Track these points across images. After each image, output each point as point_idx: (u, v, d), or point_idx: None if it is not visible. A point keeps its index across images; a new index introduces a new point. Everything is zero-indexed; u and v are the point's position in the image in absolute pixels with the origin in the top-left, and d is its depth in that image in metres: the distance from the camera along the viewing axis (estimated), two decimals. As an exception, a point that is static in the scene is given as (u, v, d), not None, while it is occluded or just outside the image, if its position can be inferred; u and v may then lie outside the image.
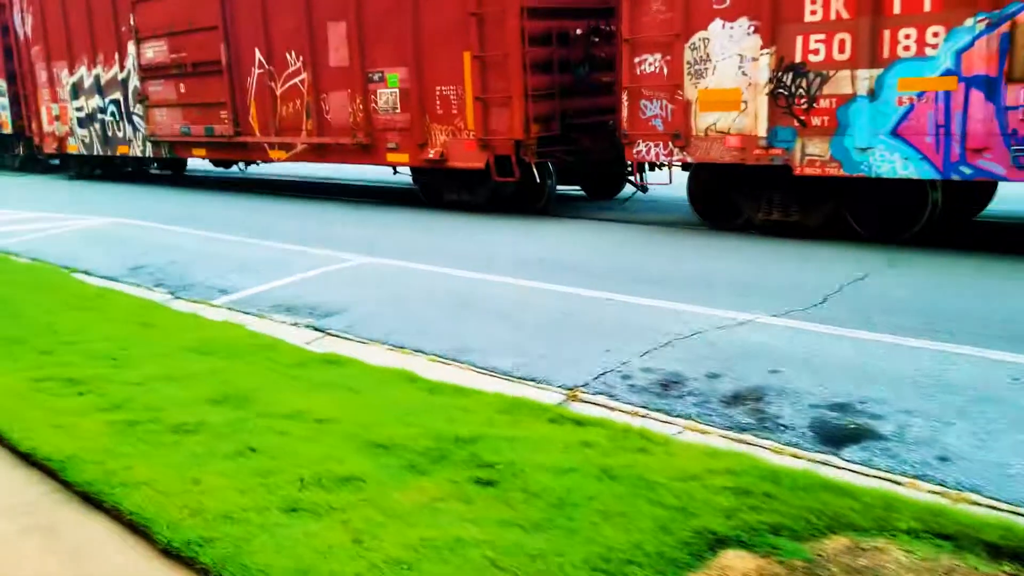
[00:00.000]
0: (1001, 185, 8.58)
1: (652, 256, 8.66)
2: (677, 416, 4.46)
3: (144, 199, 15.44)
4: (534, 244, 9.57)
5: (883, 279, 7.13)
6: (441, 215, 11.82)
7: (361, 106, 12.49)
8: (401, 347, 5.88)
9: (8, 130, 21.42)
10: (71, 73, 18.40)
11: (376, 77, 12.25)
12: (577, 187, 12.75)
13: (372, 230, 11.05)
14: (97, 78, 17.69)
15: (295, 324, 6.60)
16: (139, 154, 17.31)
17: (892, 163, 7.92)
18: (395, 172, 13.69)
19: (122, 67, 16.93)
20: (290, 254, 9.39)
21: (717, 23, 8.83)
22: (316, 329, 6.44)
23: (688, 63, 9.11)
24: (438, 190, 12.49)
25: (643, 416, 4.43)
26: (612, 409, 4.55)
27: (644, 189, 11.12)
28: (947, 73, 7.50)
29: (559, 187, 12.18)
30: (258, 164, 16.51)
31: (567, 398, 4.77)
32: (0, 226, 12.21)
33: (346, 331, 6.34)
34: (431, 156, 11.80)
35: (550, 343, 5.85)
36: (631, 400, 4.72)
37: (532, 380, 5.11)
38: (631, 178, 10.86)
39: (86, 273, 8.80)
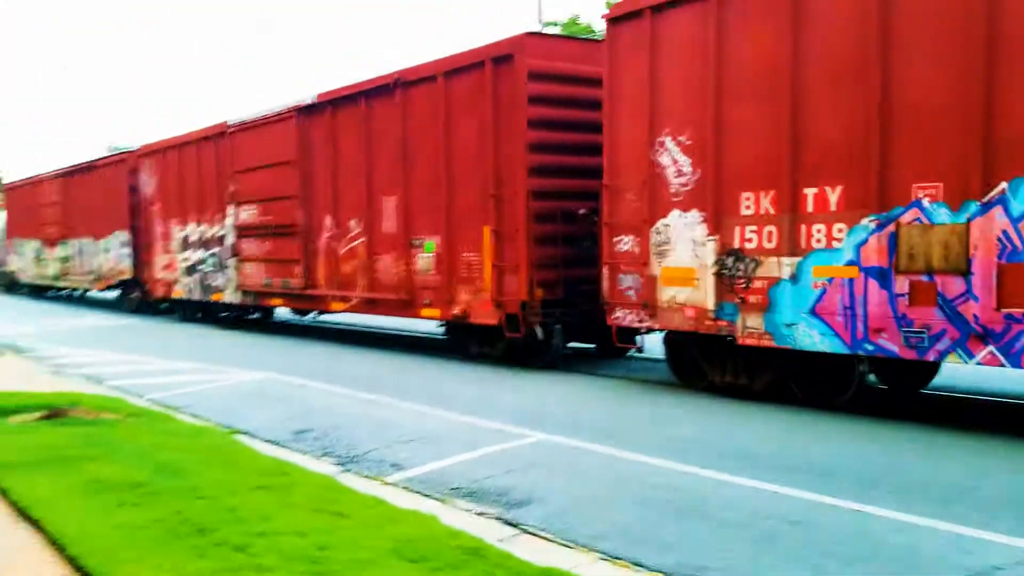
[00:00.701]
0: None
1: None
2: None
3: (271, 349, 16.50)
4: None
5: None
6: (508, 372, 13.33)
7: (404, 267, 14.50)
8: (616, 557, 5.26)
9: (128, 276, 24.63)
10: (181, 229, 21.43)
11: (416, 243, 14.29)
12: (592, 345, 14.19)
13: (514, 395, 11.04)
14: (201, 234, 20.59)
15: (482, 514, 6.15)
16: (231, 301, 19.84)
17: (811, 338, 9.14)
18: (441, 325, 15.45)
19: (222, 225, 19.73)
20: (455, 425, 9.16)
21: (675, 212, 10.43)
22: (508, 524, 5.93)
23: (653, 244, 10.68)
24: (465, 343, 14.18)
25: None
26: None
27: (639, 349, 12.48)
28: (850, 263, 8.80)
29: (575, 344, 13.68)
30: (320, 313, 18.70)
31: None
32: (153, 377, 12.68)
33: (543, 528, 5.80)
34: (456, 312, 13.58)
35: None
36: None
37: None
38: (616, 339, 12.23)
39: (249, 435, 8.73)
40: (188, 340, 18.35)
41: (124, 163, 24.93)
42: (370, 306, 15.60)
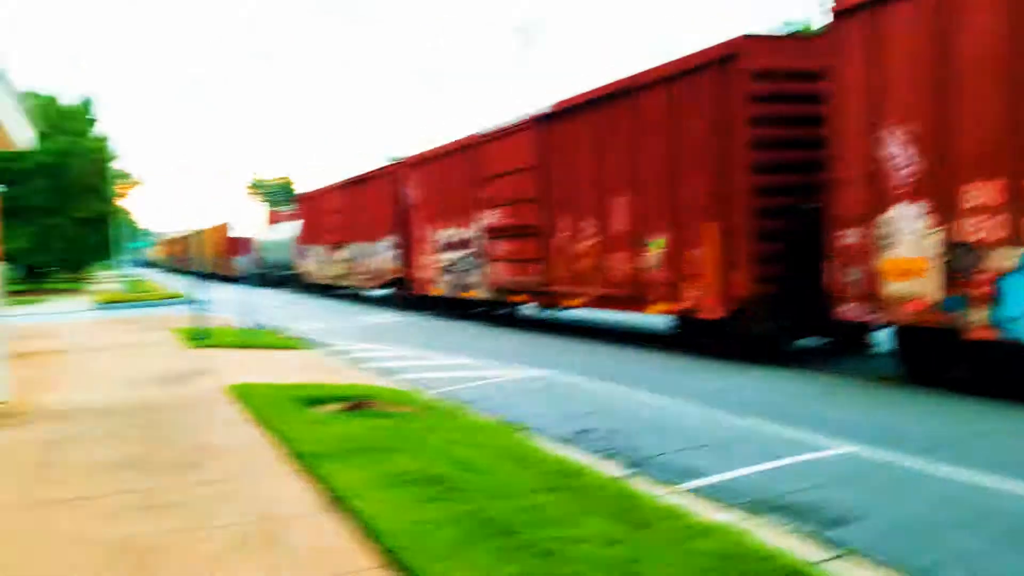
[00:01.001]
0: None
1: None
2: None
3: (538, 346, 16.75)
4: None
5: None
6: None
7: (633, 264, 15.14)
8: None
9: (396, 275, 27.27)
10: (438, 232, 23.48)
11: (646, 241, 14.88)
12: (816, 338, 14.00)
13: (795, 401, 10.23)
14: (456, 236, 22.45)
15: (796, 531, 5.62)
16: (482, 297, 21.51)
17: (1043, 331, 8.70)
18: (674, 320, 15.88)
19: (474, 228, 21.43)
20: (744, 431, 8.71)
21: (899, 205, 10.24)
22: (828, 544, 5.37)
23: (877, 237, 10.54)
24: (694, 338, 14.56)
25: None
26: None
27: (868, 345, 12.26)
28: (1087, 253, 8.30)
29: (812, 339, 13.59)
30: (558, 309, 19.74)
31: None
32: (438, 372, 13.24)
33: (870, 551, 5.26)
34: (683, 308, 14.01)
35: None
36: None
37: None
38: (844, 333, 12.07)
39: (533, 433, 8.49)
40: (461, 336, 19.19)
41: (391, 174, 27.61)
42: (602, 302, 16.40)
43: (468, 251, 21.85)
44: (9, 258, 47.07)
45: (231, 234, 54.98)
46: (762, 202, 12.56)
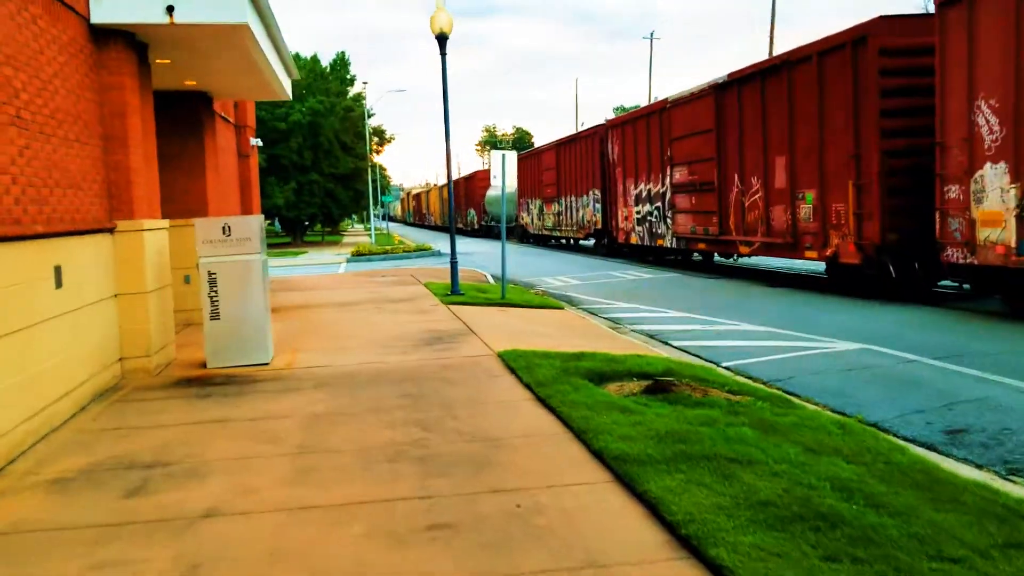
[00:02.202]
0: None
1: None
2: None
3: (789, 304, 15.37)
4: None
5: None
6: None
7: (791, 216, 17.57)
8: None
9: (599, 226, 30.67)
10: (635, 187, 26.56)
11: (800, 196, 17.25)
12: (966, 284, 15.73)
13: None
14: (649, 191, 25.45)
15: None
16: (669, 245, 24.45)
17: (1090, 270, 10.63)
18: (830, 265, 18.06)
19: (662, 184, 24.33)
20: None
21: (987, 164, 12.23)
22: None
23: (972, 192, 12.57)
24: (835, 281, 16.83)
25: None
26: None
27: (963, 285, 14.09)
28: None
29: (955, 283, 15.39)
30: (735, 256, 22.26)
31: None
32: (715, 339, 11.80)
33: None
34: (828, 254, 16.37)
35: None
36: None
37: None
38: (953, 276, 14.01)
39: (879, 428, 6.88)
40: (701, 295, 17.69)
41: (596, 135, 30.86)
42: (765, 250, 18.92)
43: (658, 204, 24.81)
44: (270, 213, 52.50)
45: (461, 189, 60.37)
46: (891, 163, 14.67)
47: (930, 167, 13.68)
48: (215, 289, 9.47)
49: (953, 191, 13.06)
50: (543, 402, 7.42)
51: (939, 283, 15.66)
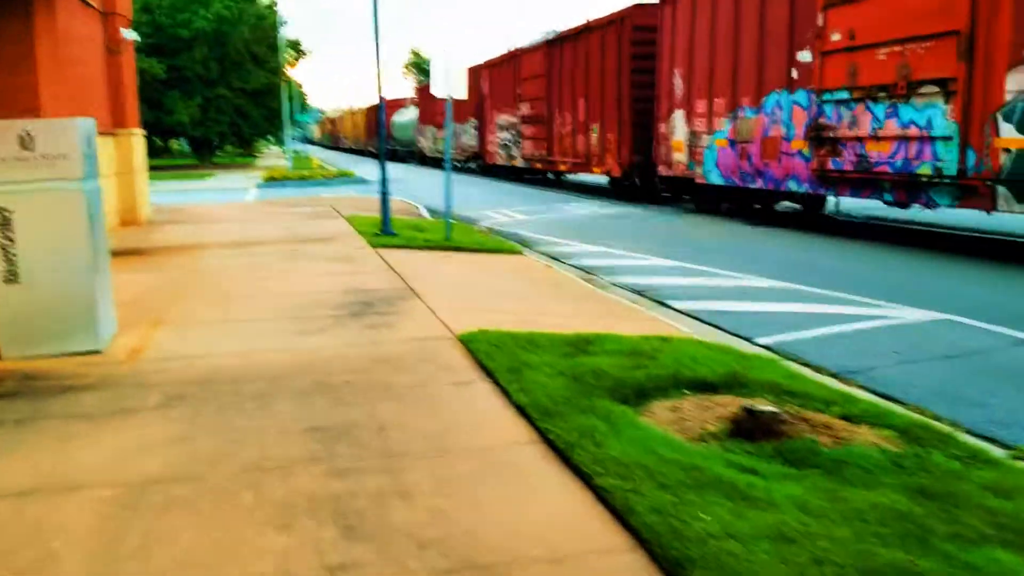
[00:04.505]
0: None
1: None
2: None
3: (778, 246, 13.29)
4: None
5: None
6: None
7: (586, 143, 24.08)
8: None
9: (475, 151, 36.83)
10: (498, 117, 32.73)
11: (591, 128, 23.75)
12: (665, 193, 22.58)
13: None
14: (508, 121, 31.71)
15: None
16: (519, 166, 30.79)
17: None
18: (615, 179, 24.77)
19: (515, 116, 30.58)
20: None
21: (677, 111, 18.86)
22: None
23: (670, 129, 19.22)
24: (614, 189, 23.51)
25: None
26: None
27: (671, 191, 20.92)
28: None
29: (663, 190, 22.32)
30: (556, 174, 28.75)
31: None
32: (722, 300, 9.10)
33: None
34: (603, 170, 23.01)
35: None
36: None
37: None
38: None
39: None
40: (616, 225, 16.82)
41: (474, 71, 36.76)
42: (574, 167, 25.53)
43: (512, 132, 31.13)
44: (174, 132, 47.93)
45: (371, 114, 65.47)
46: (636, 107, 21.24)
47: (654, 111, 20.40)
48: (9, 236, 6.09)
49: (662, 128, 19.71)
50: (564, 458, 4.08)
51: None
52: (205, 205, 20.93)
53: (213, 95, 45.71)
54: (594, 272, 11.15)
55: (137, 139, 16.37)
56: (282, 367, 5.77)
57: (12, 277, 6.08)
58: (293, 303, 8.02)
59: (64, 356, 6.14)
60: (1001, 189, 10.85)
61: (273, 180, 32.58)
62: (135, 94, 16.52)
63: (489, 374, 5.50)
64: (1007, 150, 10.68)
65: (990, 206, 11.11)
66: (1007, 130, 10.66)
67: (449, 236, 12.79)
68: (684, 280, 10.49)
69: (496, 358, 5.73)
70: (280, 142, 63.93)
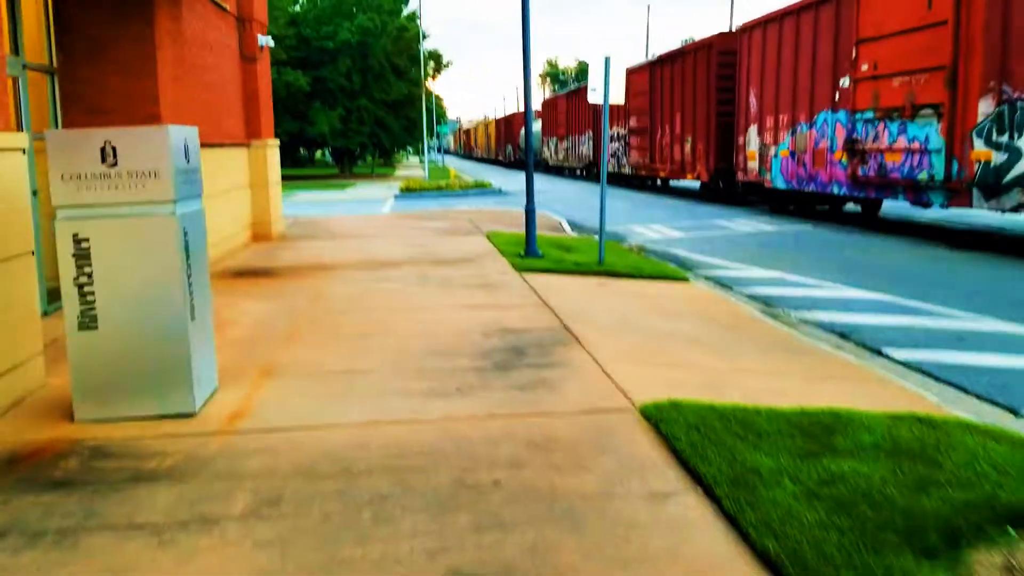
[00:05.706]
0: None
1: None
2: None
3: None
4: None
5: None
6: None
7: (680, 152, 27.31)
8: None
9: (590, 160, 40.46)
10: (610, 128, 36.36)
11: (685, 139, 26.97)
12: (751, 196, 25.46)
13: None
14: (617, 132, 35.19)
15: None
16: (627, 173, 34.20)
17: None
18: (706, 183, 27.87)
19: (624, 127, 34.02)
20: None
21: (752, 126, 21.94)
22: None
23: (746, 141, 22.29)
24: (708, 192, 26.61)
25: None
26: None
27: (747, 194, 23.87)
28: None
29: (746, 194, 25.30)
30: (657, 178, 31.92)
31: None
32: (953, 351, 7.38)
33: None
34: (694, 176, 26.21)
35: None
36: None
37: None
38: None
39: None
40: (821, 252, 14.14)
41: (578, 94, 40.40)
42: (671, 173, 28.77)
43: (621, 143, 34.58)
44: (316, 142, 49.72)
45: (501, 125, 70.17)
46: (720, 121, 24.34)
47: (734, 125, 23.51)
48: (87, 271, 4.93)
49: (740, 139, 22.79)
50: None
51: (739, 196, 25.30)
52: (340, 218, 20.30)
53: (354, 106, 46.63)
54: (772, 304, 9.75)
55: (272, 151, 15.54)
56: (409, 450, 4.45)
57: (89, 322, 4.94)
58: (426, 347, 6.69)
59: (148, 419, 5.00)
60: (975, 191, 13.63)
61: (410, 191, 32.81)
62: (270, 103, 15.66)
63: (699, 480, 3.95)
64: (978, 160, 13.47)
65: (969, 204, 13.87)
66: (979, 144, 13.45)
67: (603, 259, 11.67)
68: (883, 319, 8.74)
69: (708, 455, 4.16)
70: (419, 152, 65.42)
